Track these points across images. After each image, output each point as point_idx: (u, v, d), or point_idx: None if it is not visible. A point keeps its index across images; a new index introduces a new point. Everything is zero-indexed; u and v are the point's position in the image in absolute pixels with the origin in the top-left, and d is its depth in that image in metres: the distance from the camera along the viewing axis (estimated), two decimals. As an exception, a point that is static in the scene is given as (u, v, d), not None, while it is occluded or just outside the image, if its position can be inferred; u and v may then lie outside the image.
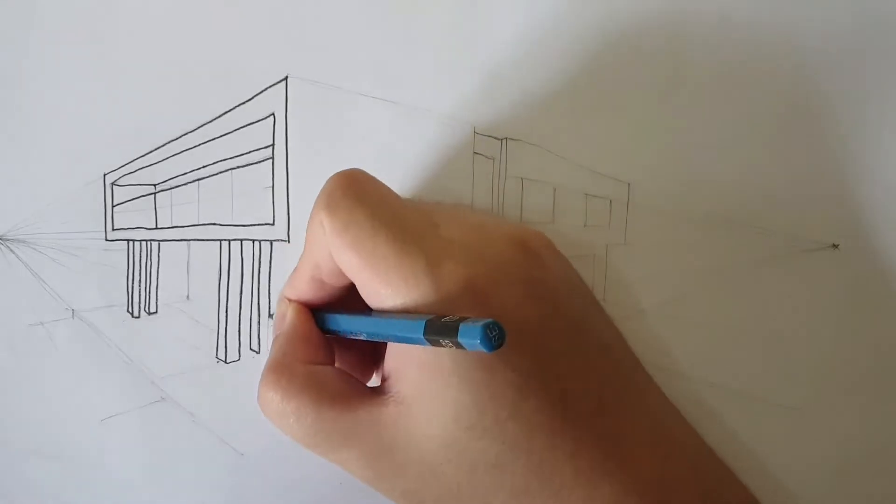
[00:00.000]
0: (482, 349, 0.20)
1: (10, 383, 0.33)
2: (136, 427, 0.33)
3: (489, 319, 0.20)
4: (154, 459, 0.33)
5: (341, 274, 0.27)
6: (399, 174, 0.33)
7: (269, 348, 0.29)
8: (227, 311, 0.34)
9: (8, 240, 0.34)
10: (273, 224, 0.33)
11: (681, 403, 0.33)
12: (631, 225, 0.33)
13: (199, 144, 0.33)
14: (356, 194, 0.26)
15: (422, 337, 0.22)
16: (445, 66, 0.33)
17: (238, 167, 0.34)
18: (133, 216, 0.34)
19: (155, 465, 0.33)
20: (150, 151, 0.33)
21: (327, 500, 0.33)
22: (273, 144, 0.33)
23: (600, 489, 0.25)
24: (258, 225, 0.34)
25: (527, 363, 0.25)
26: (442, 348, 0.22)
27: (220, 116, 0.33)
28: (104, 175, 0.34)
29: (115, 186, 0.34)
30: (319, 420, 0.25)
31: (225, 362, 0.34)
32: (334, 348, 0.29)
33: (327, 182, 0.26)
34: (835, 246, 0.33)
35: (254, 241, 0.34)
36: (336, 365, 0.29)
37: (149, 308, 0.34)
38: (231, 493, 0.33)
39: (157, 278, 0.34)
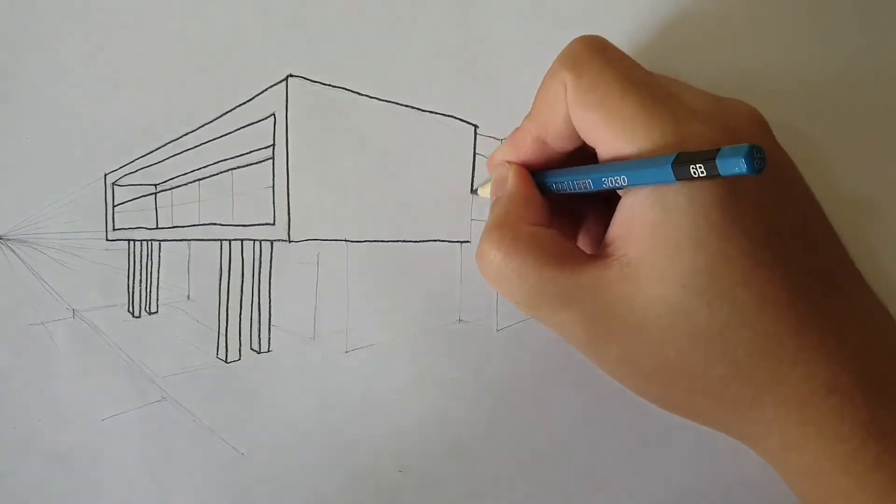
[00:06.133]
0: (744, 171, 0.20)
1: (11, 383, 0.33)
2: (136, 427, 0.33)
3: (749, 144, 0.20)
4: (154, 459, 0.33)
5: (569, 137, 0.27)
6: (399, 174, 0.33)
7: (489, 211, 0.28)
8: (227, 311, 0.34)
9: (9, 240, 0.34)
10: (273, 224, 0.33)
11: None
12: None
13: (200, 144, 0.33)
14: (605, 56, 0.26)
15: (669, 167, 0.22)
16: (446, 66, 0.33)
17: (238, 167, 0.34)
18: (134, 216, 0.34)
19: (155, 465, 0.33)
20: (151, 151, 0.34)
21: (327, 499, 0.33)
22: (273, 144, 0.33)
23: (817, 368, 0.24)
24: (259, 225, 0.34)
25: (762, 234, 0.24)
26: (678, 206, 0.23)
27: (220, 116, 0.33)
28: (105, 175, 0.34)
29: (115, 186, 0.34)
30: (541, 280, 0.25)
31: (225, 362, 0.34)
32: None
33: (571, 44, 0.26)
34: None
35: (254, 241, 0.34)
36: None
37: (149, 308, 0.34)
38: (231, 493, 0.33)
39: (158, 278, 0.34)
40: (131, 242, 0.34)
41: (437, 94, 0.33)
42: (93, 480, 0.33)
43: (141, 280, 0.34)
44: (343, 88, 0.33)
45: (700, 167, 0.21)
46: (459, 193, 0.33)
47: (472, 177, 0.33)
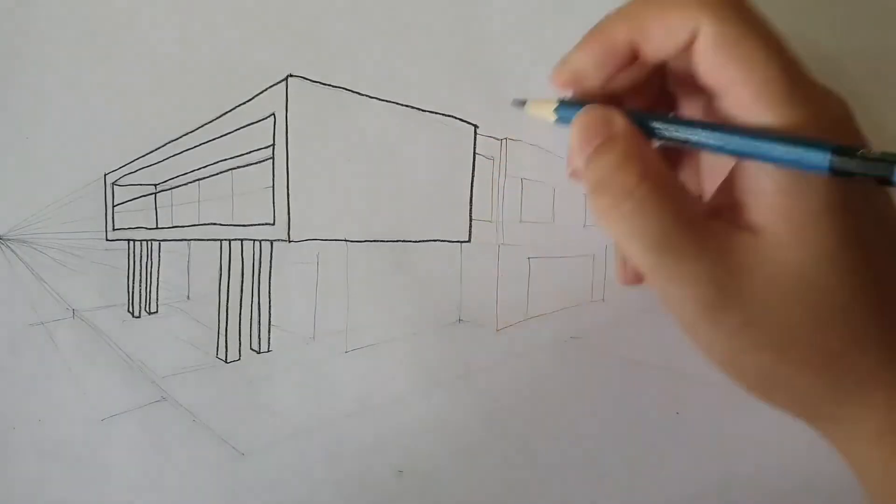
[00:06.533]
0: None
1: (11, 383, 0.33)
2: (136, 427, 0.33)
3: None
4: (154, 459, 0.33)
5: (668, 46, 0.25)
6: (399, 174, 0.33)
7: (586, 155, 0.26)
8: (227, 311, 0.34)
9: (9, 240, 0.34)
10: (273, 224, 0.33)
11: (682, 402, 0.33)
12: (631, 225, 0.33)
13: (200, 144, 0.33)
14: (748, 12, 0.24)
15: (825, 165, 0.22)
16: (446, 66, 0.33)
17: (238, 167, 0.34)
18: (133, 216, 0.34)
19: (155, 465, 0.33)
20: (151, 151, 0.34)
21: (326, 499, 0.33)
22: (273, 144, 0.33)
23: None
24: (258, 225, 0.34)
25: (885, 217, 0.25)
26: (810, 183, 0.23)
27: (220, 116, 0.33)
28: (105, 175, 0.34)
29: (115, 186, 0.34)
30: (678, 224, 0.24)
31: (225, 362, 0.34)
32: None
33: None
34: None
35: (254, 240, 0.34)
36: None
37: (149, 308, 0.34)
38: (231, 493, 0.33)
39: (158, 278, 0.34)
40: (131, 242, 0.34)
41: (437, 94, 0.33)
42: (93, 480, 0.34)
43: (141, 280, 0.34)
44: (343, 88, 0.33)
45: (863, 172, 0.22)
46: (459, 193, 0.33)
47: (472, 177, 0.33)
